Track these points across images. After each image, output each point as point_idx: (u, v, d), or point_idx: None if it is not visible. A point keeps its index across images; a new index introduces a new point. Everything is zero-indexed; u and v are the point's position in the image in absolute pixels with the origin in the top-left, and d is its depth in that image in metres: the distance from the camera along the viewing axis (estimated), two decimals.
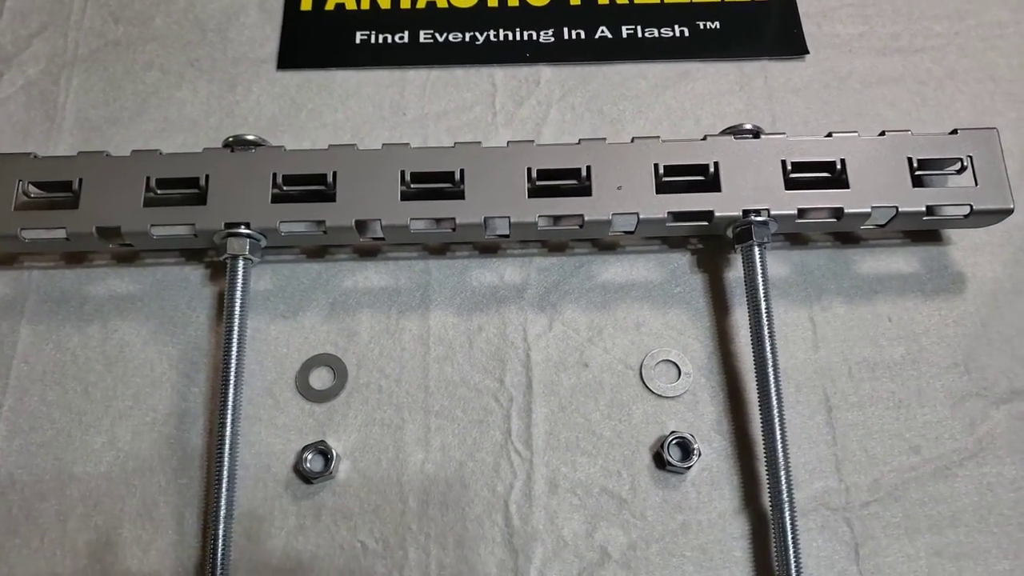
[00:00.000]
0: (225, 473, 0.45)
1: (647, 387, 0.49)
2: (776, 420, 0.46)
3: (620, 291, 0.52)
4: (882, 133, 0.50)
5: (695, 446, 0.47)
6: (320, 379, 0.49)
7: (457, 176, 0.49)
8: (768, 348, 0.47)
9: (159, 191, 0.49)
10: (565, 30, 0.60)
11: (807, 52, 0.59)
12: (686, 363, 0.50)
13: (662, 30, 0.60)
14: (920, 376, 0.49)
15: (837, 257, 0.53)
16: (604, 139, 0.50)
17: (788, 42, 0.60)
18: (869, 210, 0.48)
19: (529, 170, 0.49)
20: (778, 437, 0.45)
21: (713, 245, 0.53)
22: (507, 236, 0.50)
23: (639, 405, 0.49)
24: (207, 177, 0.49)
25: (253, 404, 0.49)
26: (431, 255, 0.53)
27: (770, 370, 0.47)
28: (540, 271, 0.52)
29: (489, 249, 0.53)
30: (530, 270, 0.52)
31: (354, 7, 0.61)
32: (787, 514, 0.44)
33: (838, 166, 0.50)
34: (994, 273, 0.52)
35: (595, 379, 0.49)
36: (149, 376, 0.49)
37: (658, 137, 0.50)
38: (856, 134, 0.50)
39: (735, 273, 0.52)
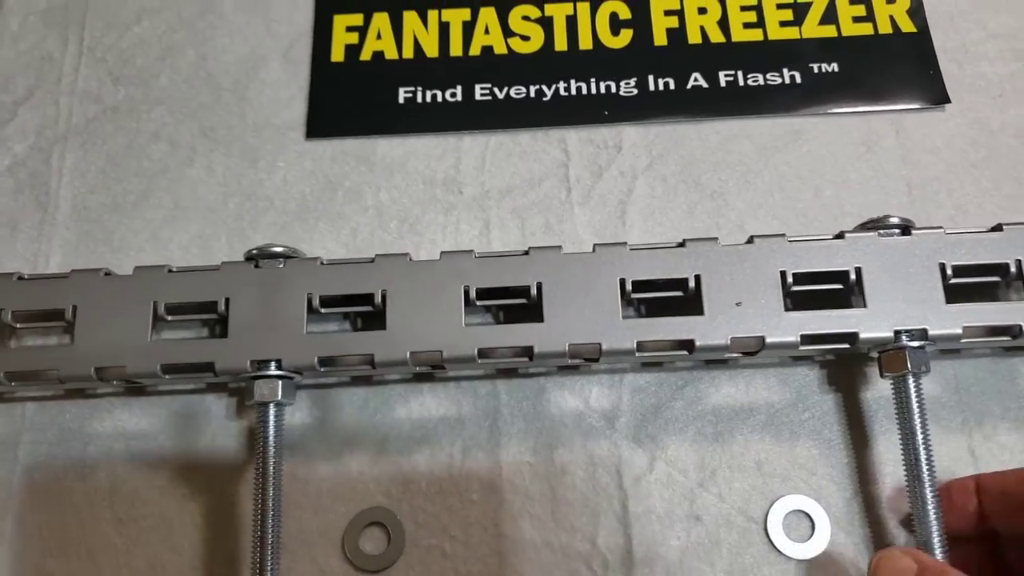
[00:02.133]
0: None
1: (774, 546, 0.40)
2: None
3: (735, 417, 0.42)
4: None
5: None
6: (372, 541, 0.41)
7: (533, 291, 0.40)
8: (929, 498, 0.38)
9: (169, 317, 0.40)
10: (650, 79, 0.49)
11: (948, 101, 0.48)
12: (821, 513, 0.40)
13: (769, 76, 0.49)
14: None
15: (1001, 370, 0.43)
16: (715, 239, 0.40)
17: (924, 87, 0.49)
18: None
19: (623, 281, 0.40)
20: None
21: (846, 356, 0.43)
22: (596, 360, 0.41)
23: (766, 570, 0.40)
24: (227, 301, 0.40)
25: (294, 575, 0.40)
26: (499, 375, 0.44)
27: (932, 524, 0.37)
28: (634, 392, 0.43)
29: (572, 368, 0.44)
30: (622, 391, 0.43)
31: (395, 55, 0.51)
32: None
33: (1012, 269, 0.40)
34: None
35: (710, 536, 0.40)
36: (167, 540, 0.41)
37: (783, 235, 0.40)
38: None
39: (875, 392, 0.42)
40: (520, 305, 0.40)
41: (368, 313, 0.40)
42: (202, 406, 0.43)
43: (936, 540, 0.37)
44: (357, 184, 0.48)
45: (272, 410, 0.39)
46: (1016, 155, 0.47)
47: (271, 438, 0.39)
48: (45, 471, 0.42)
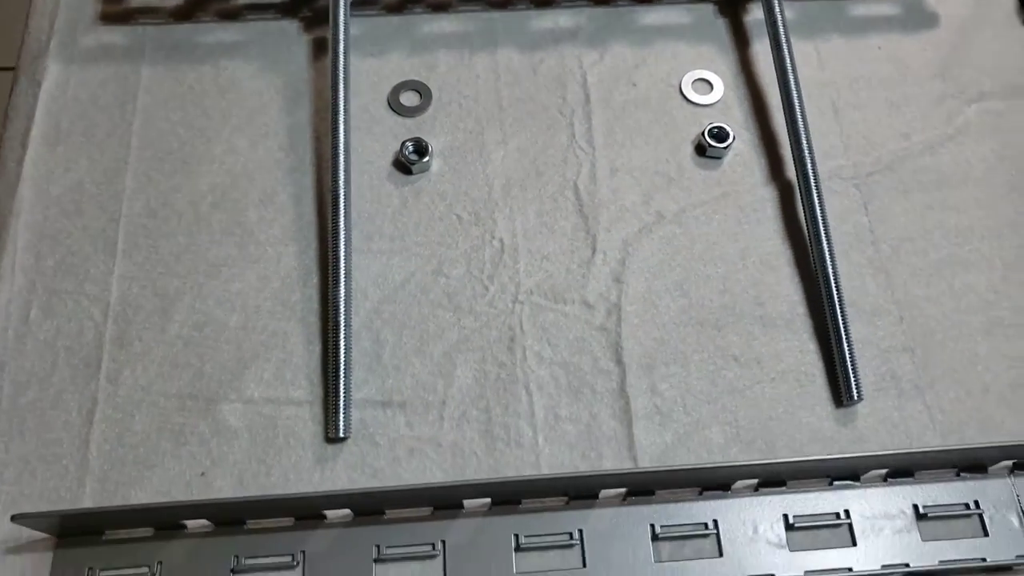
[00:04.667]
0: (341, 162, 0.53)
1: (686, 98, 0.59)
2: (798, 115, 0.55)
3: (658, 32, 0.61)
4: None
5: (730, 132, 0.56)
6: (409, 99, 0.58)
7: None
8: (788, 64, 0.57)
9: None
10: None
11: None
12: (718, 80, 0.59)
13: None
14: (906, 85, 0.60)
15: (833, 6, 0.63)
16: None
17: None
18: None
19: None
20: (800, 125, 0.55)
21: None
22: None
23: (680, 112, 0.58)
24: None
25: (353, 119, 0.56)
26: (495, 7, 0.61)
27: (791, 79, 0.56)
28: (590, 18, 0.61)
29: (545, 2, 0.62)
30: (581, 18, 0.61)
31: None
32: (811, 177, 0.53)
33: None
34: (961, 11, 0.63)
35: (642, 95, 0.59)
36: (260, 100, 0.57)
37: None
38: None
39: (753, 16, 0.62)
40: None
41: None
42: (279, 27, 0.60)
43: (794, 90, 0.56)
44: None
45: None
46: None
47: (341, 17, 0.56)
48: (165, 64, 0.58)
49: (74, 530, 0.43)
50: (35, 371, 0.48)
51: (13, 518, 0.39)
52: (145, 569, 0.43)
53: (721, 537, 0.45)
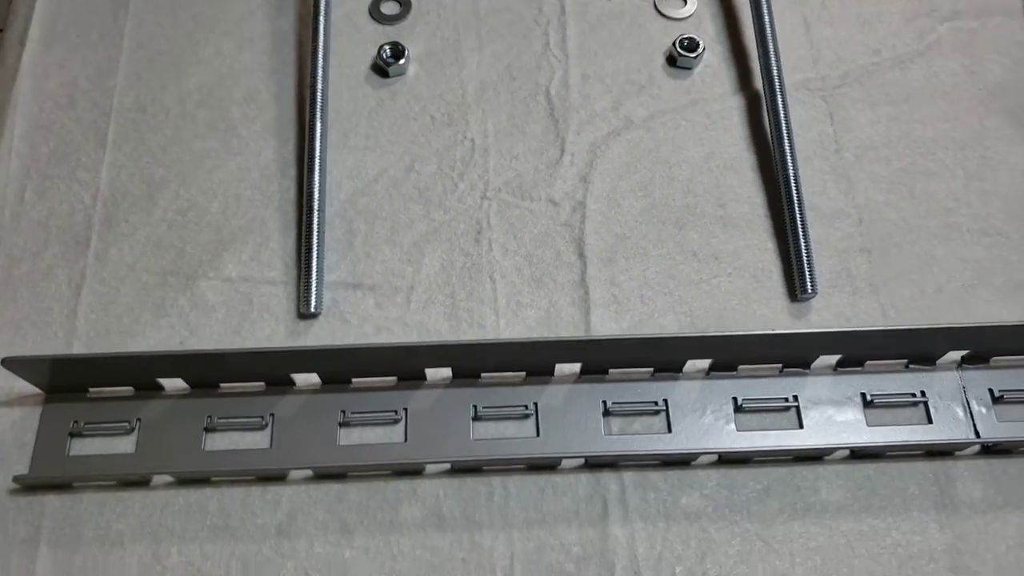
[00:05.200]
0: (320, 62, 0.55)
1: (660, 12, 0.60)
2: (767, 26, 0.57)
3: None
4: None
5: (700, 43, 0.57)
6: (389, 8, 0.60)
7: None
8: None
9: None
10: None
11: None
12: None
13: None
14: (880, 2, 0.61)
15: None
16: None
17: None
18: None
19: None
20: (769, 35, 0.56)
21: None
22: None
23: (653, 25, 0.60)
24: None
25: (335, 26, 0.59)
26: None
27: None
28: None
29: None
30: None
31: None
32: (777, 84, 0.55)
33: None
34: None
35: (617, 8, 0.60)
36: (247, 6, 0.60)
37: None
38: None
39: None
40: None
41: None
42: None
43: (764, 5, 0.57)
44: None
45: None
46: None
47: None
48: None
49: (61, 387, 0.46)
50: (28, 247, 0.51)
51: (3, 361, 0.42)
52: (125, 424, 0.46)
53: (671, 414, 0.47)
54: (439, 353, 0.45)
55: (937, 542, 0.44)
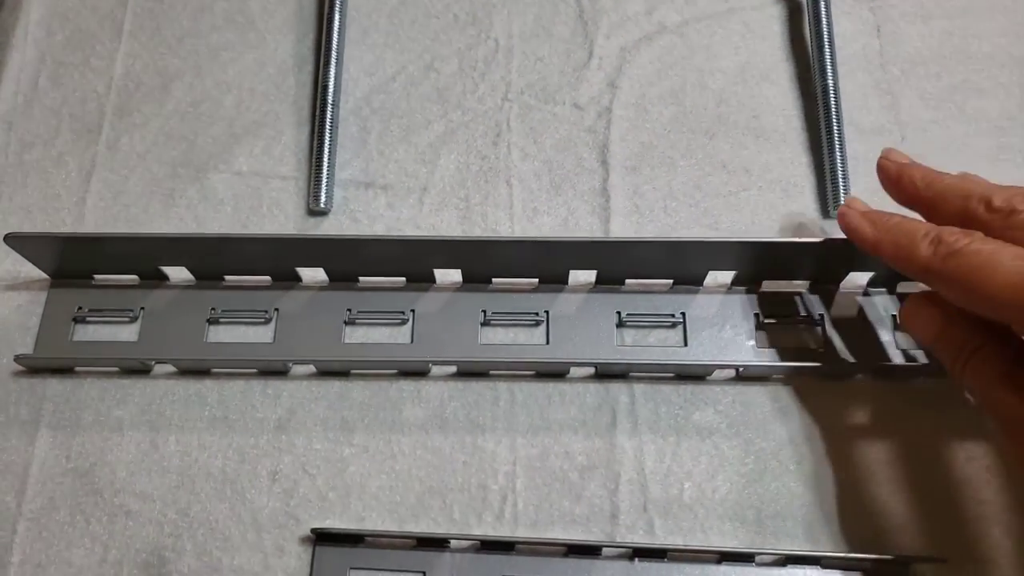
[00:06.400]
0: None
1: None
2: None
3: None
4: None
5: None
6: None
7: None
8: None
9: None
10: None
11: None
12: None
13: None
14: None
15: None
16: None
17: None
18: None
19: None
20: None
21: None
22: None
23: None
24: None
25: None
26: None
27: None
28: None
29: None
30: None
31: None
32: None
33: None
34: None
35: None
36: None
37: None
38: None
39: None
40: None
41: None
42: None
43: None
44: None
45: None
46: None
47: None
48: None
49: (67, 271, 0.46)
50: (40, 133, 0.50)
51: (7, 237, 0.42)
52: (129, 312, 0.45)
53: (687, 328, 0.45)
54: (449, 249, 0.43)
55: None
